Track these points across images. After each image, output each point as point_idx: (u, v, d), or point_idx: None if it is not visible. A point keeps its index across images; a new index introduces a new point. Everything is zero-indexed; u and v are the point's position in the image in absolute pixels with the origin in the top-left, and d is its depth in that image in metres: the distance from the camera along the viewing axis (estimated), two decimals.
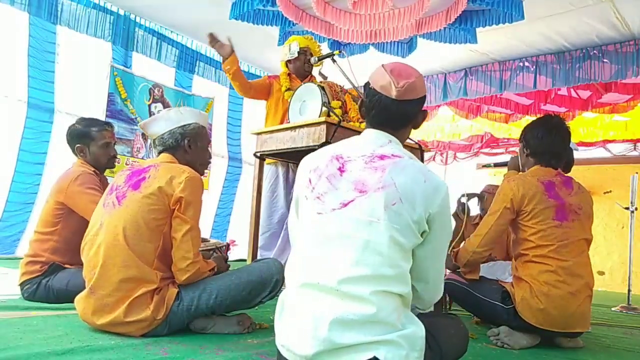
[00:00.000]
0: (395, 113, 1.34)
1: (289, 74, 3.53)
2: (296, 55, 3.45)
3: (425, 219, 1.22)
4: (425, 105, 1.42)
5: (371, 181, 1.21)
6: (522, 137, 2.31)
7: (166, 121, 1.94)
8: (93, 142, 2.44)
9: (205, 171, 5.28)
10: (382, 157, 1.26)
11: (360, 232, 1.18)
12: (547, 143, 2.20)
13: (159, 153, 1.96)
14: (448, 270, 2.45)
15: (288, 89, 3.43)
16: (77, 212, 2.30)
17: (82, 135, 2.44)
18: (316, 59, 2.83)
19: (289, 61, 3.51)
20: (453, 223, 2.23)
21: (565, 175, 2.26)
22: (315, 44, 3.58)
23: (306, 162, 1.39)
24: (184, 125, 1.94)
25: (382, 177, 1.21)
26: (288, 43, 3.51)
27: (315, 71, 3.52)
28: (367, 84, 1.40)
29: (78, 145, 2.44)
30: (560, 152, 2.24)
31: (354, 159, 1.28)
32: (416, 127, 1.42)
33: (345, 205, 1.21)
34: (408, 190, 1.20)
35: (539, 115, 5.59)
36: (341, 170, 1.27)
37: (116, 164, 2.77)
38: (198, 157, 1.99)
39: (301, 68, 3.50)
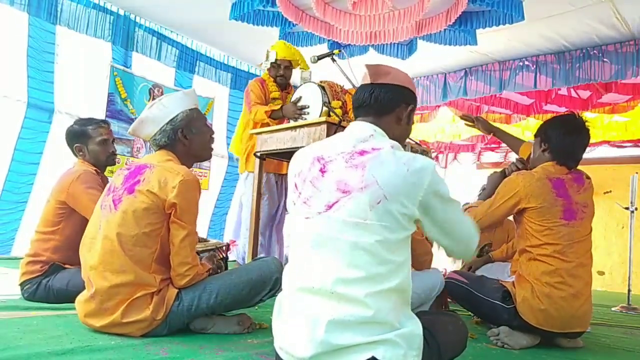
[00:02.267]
0: (369, 97, 1.36)
1: (273, 81, 3.57)
2: (269, 66, 3.48)
3: (415, 208, 1.19)
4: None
5: (353, 181, 1.20)
6: (542, 132, 2.23)
7: (152, 122, 1.86)
8: (90, 140, 2.46)
9: (205, 172, 5.32)
10: (362, 153, 1.24)
11: (348, 234, 1.17)
12: (569, 143, 2.16)
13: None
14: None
15: (274, 99, 3.47)
16: (79, 212, 2.31)
17: (79, 135, 2.46)
18: (315, 57, 2.82)
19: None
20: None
21: (577, 171, 2.20)
22: (296, 55, 3.55)
23: (292, 166, 1.39)
24: (172, 120, 1.86)
25: (363, 175, 1.19)
26: (271, 49, 3.52)
27: (297, 76, 3.54)
28: None
29: (76, 145, 2.46)
30: (579, 155, 2.19)
31: (335, 158, 1.27)
32: (399, 121, 1.38)
33: (330, 207, 1.21)
34: (391, 185, 1.17)
35: (539, 116, 5.66)
36: (322, 171, 1.26)
37: (117, 162, 2.78)
38: (198, 142, 1.93)
39: (275, 78, 3.55)
